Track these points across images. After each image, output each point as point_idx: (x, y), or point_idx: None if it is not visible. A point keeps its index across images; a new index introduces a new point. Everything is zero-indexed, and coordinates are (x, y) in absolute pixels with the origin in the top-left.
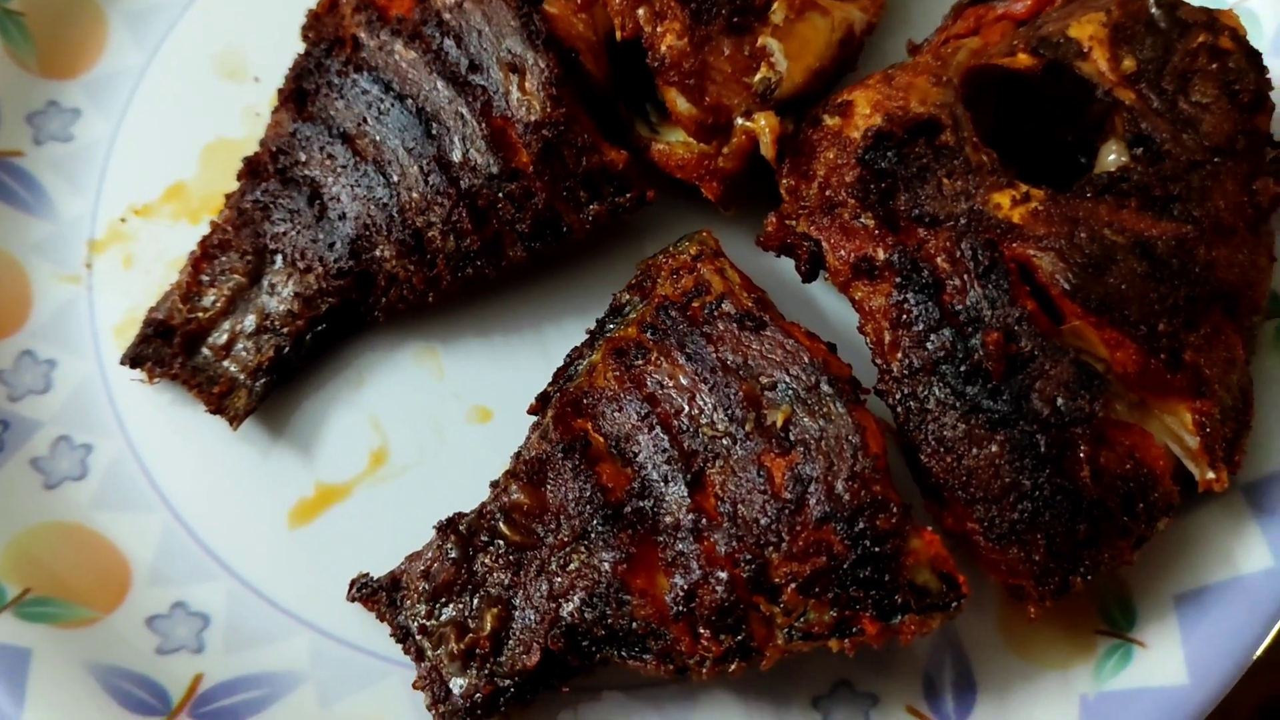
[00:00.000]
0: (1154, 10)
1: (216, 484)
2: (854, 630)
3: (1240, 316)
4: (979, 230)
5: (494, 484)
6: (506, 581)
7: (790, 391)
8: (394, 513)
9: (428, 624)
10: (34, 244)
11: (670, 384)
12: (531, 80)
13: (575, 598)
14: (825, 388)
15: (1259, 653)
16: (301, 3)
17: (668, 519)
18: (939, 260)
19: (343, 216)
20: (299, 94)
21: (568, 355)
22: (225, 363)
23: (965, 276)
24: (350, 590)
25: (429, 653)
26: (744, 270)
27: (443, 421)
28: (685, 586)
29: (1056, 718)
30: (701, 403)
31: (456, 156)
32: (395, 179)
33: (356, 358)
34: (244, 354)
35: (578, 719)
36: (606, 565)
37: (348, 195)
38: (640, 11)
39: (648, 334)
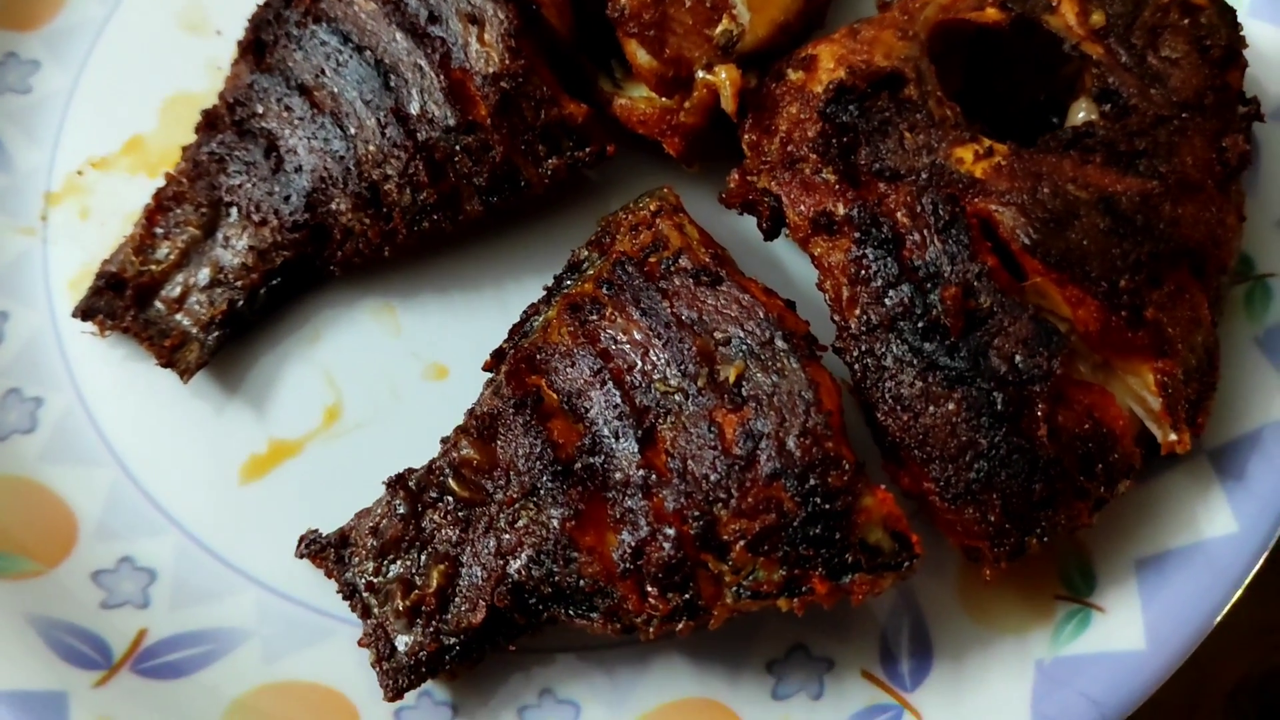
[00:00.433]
0: None
1: (168, 439)
2: (803, 589)
3: (1207, 276)
4: (940, 185)
5: (445, 440)
6: (454, 538)
7: (744, 347)
8: (346, 469)
9: (375, 581)
10: None
11: (624, 339)
12: (491, 32)
13: (523, 555)
14: (780, 343)
15: (1220, 617)
16: None
17: (618, 475)
18: (899, 215)
19: (299, 169)
20: (257, 45)
21: (524, 311)
22: (178, 316)
23: (925, 231)
24: (299, 547)
25: (375, 610)
26: (709, 227)
27: (398, 378)
28: (633, 544)
29: (1011, 683)
30: (655, 358)
31: (414, 109)
32: (352, 131)
33: (314, 313)
34: (197, 307)
35: (529, 680)
36: (555, 522)
37: (304, 148)
38: None
39: (603, 289)
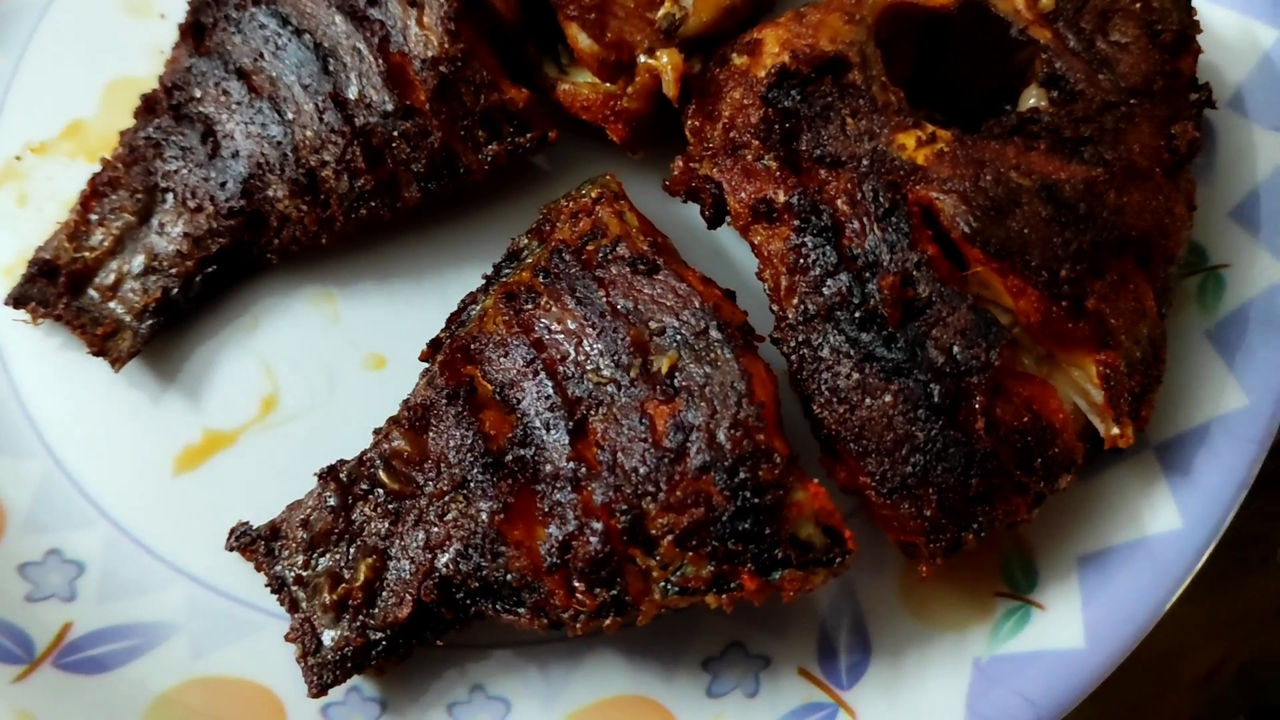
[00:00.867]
0: None
1: (101, 429)
2: (732, 585)
3: (1153, 266)
4: (882, 172)
5: (377, 431)
6: (384, 531)
7: (678, 337)
8: (281, 461)
9: (304, 574)
10: None
11: (558, 329)
12: (430, 15)
13: (451, 549)
14: (714, 333)
15: (1167, 609)
16: None
17: (548, 468)
18: (839, 203)
19: (235, 154)
20: (196, 28)
21: (462, 300)
22: (111, 304)
23: (865, 219)
24: (228, 539)
25: (303, 604)
26: (656, 215)
27: (336, 368)
28: (560, 538)
29: (948, 682)
30: (588, 348)
31: (352, 93)
32: (290, 116)
33: (253, 302)
34: (131, 295)
35: (463, 675)
36: (484, 515)
37: (241, 133)
38: None
39: (540, 278)
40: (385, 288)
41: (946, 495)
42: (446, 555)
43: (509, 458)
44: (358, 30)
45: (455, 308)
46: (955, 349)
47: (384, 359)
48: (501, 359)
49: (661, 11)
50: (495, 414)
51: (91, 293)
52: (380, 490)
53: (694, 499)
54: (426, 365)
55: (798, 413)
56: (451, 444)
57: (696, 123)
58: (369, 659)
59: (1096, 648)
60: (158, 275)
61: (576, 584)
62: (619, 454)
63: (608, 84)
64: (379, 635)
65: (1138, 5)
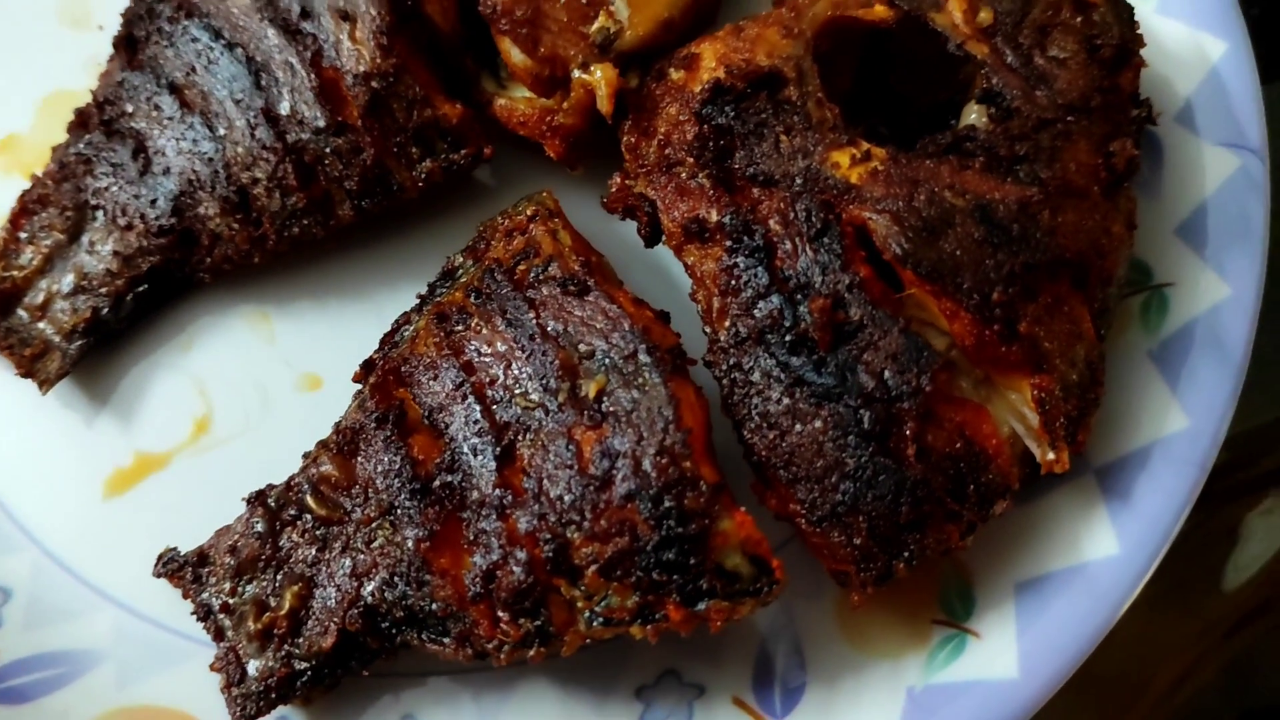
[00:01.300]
0: None
1: (30, 452)
2: (658, 616)
3: (1090, 287)
4: (815, 191)
5: (306, 455)
6: (311, 558)
7: (607, 361)
8: (213, 484)
9: (230, 602)
10: None
11: (488, 351)
12: (363, 29)
13: (377, 577)
14: (643, 357)
15: (1098, 642)
16: None
17: (474, 495)
18: (771, 222)
19: (166, 171)
20: (129, 41)
21: (396, 320)
22: (41, 324)
23: (797, 240)
24: (156, 565)
25: (228, 632)
26: (598, 232)
27: (270, 389)
28: (484, 567)
29: (882, 711)
30: (517, 371)
31: (284, 109)
32: (222, 132)
33: (189, 321)
34: (60, 315)
35: (397, 703)
36: (410, 543)
37: (173, 149)
38: None
39: (472, 299)
40: (322, 306)
41: (877, 523)
42: (372, 583)
43: (436, 483)
44: (290, 44)
45: (390, 327)
46: (886, 374)
47: (320, 379)
48: (431, 382)
49: (595, 25)
50: (425, 438)
51: (20, 313)
52: (308, 516)
53: (618, 528)
54: (360, 386)
55: (733, 438)
56: (380, 469)
57: (632, 139)
58: (294, 689)
59: (1029, 678)
60: (87, 295)
61: (501, 614)
62: (545, 481)
63: (544, 99)
64: (304, 665)
65: (1078, 19)
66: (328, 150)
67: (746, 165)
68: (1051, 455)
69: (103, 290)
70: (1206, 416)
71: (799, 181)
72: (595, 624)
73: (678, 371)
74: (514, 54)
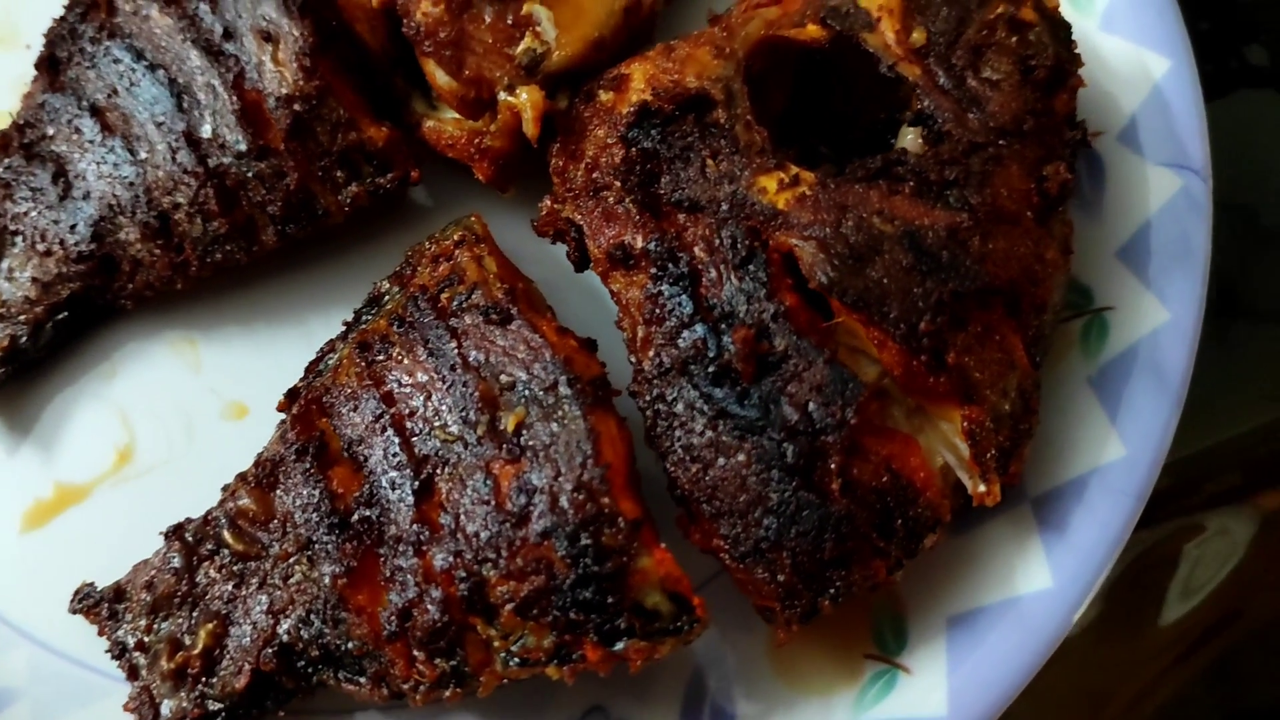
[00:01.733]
0: None
1: None
2: (575, 656)
3: (1023, 315)
4: (741, 217)
5: (225, 488)
6: (227, 595)
7: (527, 392)
8: (135, 516)
9: (145, 639)
10: None
11: (409, 382)
12: (285, 50)
13: (294, 614)
14: (563, 389)
15: (1029, 679)
16: None
17: (392, 530)
18: (697, 249)
19: (87, 196)
20: (51, 62)
21: (321, 348)
22: None
23: (722, 267)
24: (72, 601)
25: (142, 671)
26: (535, 253)
27: (195, 417)
28: (400, 605)
29: None
30: (437, 403)
31: (206, 132)
32: (143, 156)
33: (114, 348)
34: None
35: None
36: (327, 579)
37: (93, 173)
38: None
39: (395, 327)
40: (251, 333)
41: (801, 560)
42: (289, 621)
43: (355, 518)
44: (212, 66)
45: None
46: (811, 406)
47: (246, 408)
48: (352, 413)
49: (521, 47)
50: (345, 471)
51: None
52: (225, 551)
53: (535, 566)
54: (284, 416)
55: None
56: (298, 503)
57: (560, 162)
58: None
59: (958, 716)
60: (5, 323)
61: (416, 654)
62: (462, 516)
63: (472, 121)
64: (217, 706)
65: (1013, 40)
66: (250, 174)
67: (672, 190)
68: (982, 488)
69: (21, 318)
70: (1144, 446)
71: (725, 207)
72: (511, 664)
73: (600, 403)
74: (439, 76)
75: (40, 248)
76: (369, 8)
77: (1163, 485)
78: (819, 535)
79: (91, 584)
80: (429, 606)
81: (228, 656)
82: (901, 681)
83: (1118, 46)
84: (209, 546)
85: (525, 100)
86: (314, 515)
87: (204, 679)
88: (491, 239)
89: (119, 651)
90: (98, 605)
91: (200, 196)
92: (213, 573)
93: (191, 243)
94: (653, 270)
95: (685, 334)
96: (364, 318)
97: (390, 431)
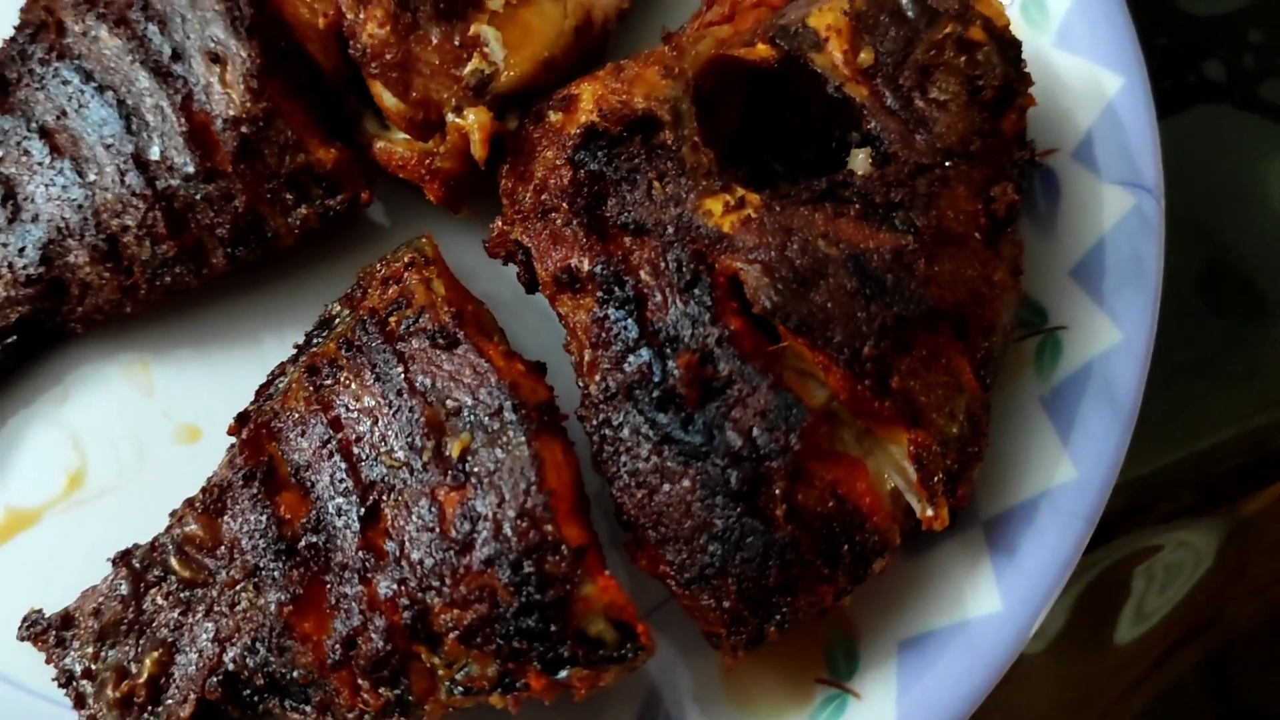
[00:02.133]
0: None
1: None
2: (518, 685)
3: (970, 337)
4: (687, 240)
5: (173, 513)
6: (174, 622)
7: (472, 418)
8: (84, 541)
9: (93, 667)
10: None
11: (356, 407)
12: (232, 72)
13: (240, 642)
14: (508, 414)
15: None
16: None
17: (338, 557)
18: (643, 273)
19: (35, 218)
20: (1, 83)
21: (271, 371)
22: None
23: (668, 291)
24: (20, 627)
25: (89, 699)
26: (491, 272)
27: (146, 441)
28: (345, 633)
29: None
30: (384, 428)
31: (155, 154)
32: (91, 178)
33: (66, 371)
34: None
35: None
36: (273, 606)
37: (42, 195)
38: None
39: (343, 350)
40: (202, 355)
41: (746, 586)
42: (235, 649)
43: (302, 544)
44: (161, 88)
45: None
46: (755, 432)
47: (199, 431)
48: (300, 438)
49: (469, 67)
50: (293, 496)
51: None
52: (172, 578)
53: (478, 594)
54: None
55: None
56: (245, 529)
57: (509, 183)
58: None
59: None
60: None
61: (361, 682)
62: (407, 544)
63: (422, 142)
64: None
65: (961, 59)
66: (198, 197)
67: (619, 213)
68: (930, 512)
69: None
70: (1095, 467)
71: (671, 230)
72: (456, 693)
73: (545, 428)
74: (386, 98)
75: None
76: (320, 26)
77: (1119, 504)
78: (764, 562)
79: (40, 610)
80: (373, 635)
81: (174, 685)
82: (851, 706)
83: (1072, 63)
84: (156, 573)
85: (473, 122)
86: (261, 541)
87: (149, 708)
88: (442, 260)
89: (66, 679)
90: (45, 632)
91: (149, 219)
92: (160, 600)
93: (140, 266)
94: (599, 294)
95: (631, 358)
96: (314, 340)
97: (337, 457)
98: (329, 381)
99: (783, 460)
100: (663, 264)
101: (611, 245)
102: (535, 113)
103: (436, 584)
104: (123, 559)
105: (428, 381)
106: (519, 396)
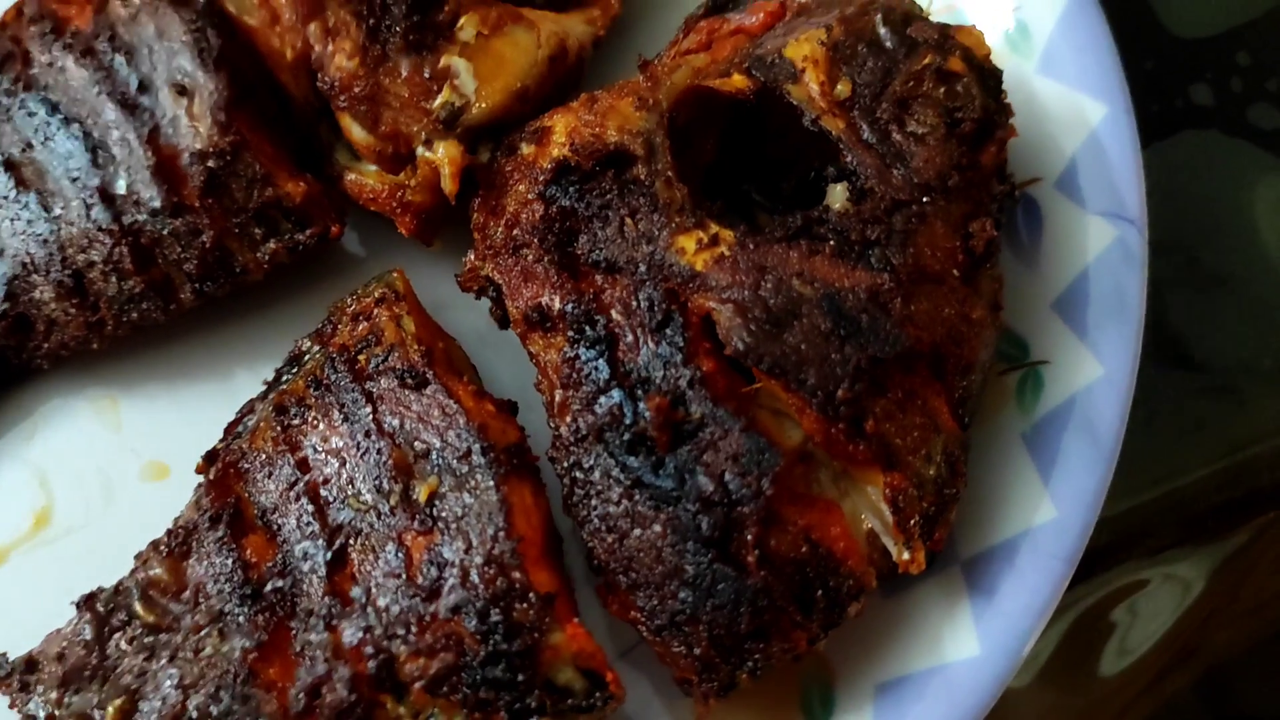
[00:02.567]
0: (880, 28)
1: None
2: None
3: (948, 376)
4: (659, 279)
5: (138, 555)
6: (138, 668)
7: (440, 461)
8: (50, 582)
9: (56, 713)
10: None
11: (323, 448)
12: (200, 104)
13: (203, 689)
14: (476, 457)
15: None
16: None
17: (304, 602)
18: (614, 312)
19: (0, 253)
20: None
21: (241, 409)
22: None
23: (639, 331)
24: None
25: None
26: (466, 305)
27: (114, 479)
28: (309, 681)
29: None
30: (351, 470)
31: (121, 188)
32: (57, 212)
33: (33, 406)
34: None
35: None
36: (237, 653)
37: (7, 229)
38: (311, 28)
39: (311, 389)
40: (171, 391)
41: (718, 633)
42: (198, 696)
43: (268, 589)
44: (128, 120)
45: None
46: (727, 476)
47: (167, 468)
48: (267, 479)
49: (439, 100)
50: (260, 539)
51: None
52: (137, 622)
53: (445, 642)
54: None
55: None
56: (210, 572)
57: (481, 218)
58: None
59: None
60: None
61: None
62: (374, 590)
63: (393, 175)
64: None
65: (940, 91)
66: (165, 232)
67: (590, 250)
68: (906, 555)
69: None
70: (1075, 507)
71: (643, 268)
72: None
73: (515, 471)
74: (355, 131)
75: None
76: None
77: (1103, 540)
78: (735, 608)
79: (4, 654)
80: (338, 684)
81: None
82: None
83: (1055, 91)
84: (120, 617)
85: (443, 156)
86: (226, 586)
87: None
88: (413, 296)
89: None
90: (9, 676)
91: (115, 254)
92: (124, 644)
93: (107, 302)
94: (570, 333)
95: (602, 400)
96: (284, 377)
97: (305, 499)
98: (297, 421)
99: (755, 505)
100: (634, 303)
101: (583, 283)
102: (508, 145)
103: (402, 631)
104: (87, 603)
105: (396, 422)
106: (488, 438)
